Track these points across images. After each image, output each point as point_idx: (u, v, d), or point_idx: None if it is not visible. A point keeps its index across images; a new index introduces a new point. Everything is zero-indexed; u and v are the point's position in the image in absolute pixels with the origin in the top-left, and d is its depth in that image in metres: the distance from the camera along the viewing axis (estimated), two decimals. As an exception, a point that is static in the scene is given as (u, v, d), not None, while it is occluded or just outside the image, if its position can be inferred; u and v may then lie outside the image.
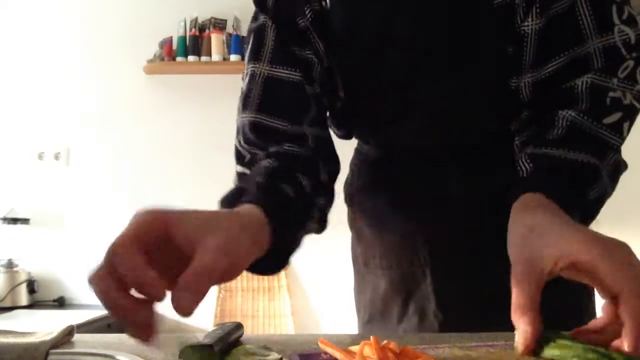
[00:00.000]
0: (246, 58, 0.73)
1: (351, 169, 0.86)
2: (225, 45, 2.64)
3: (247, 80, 0.71)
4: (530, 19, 0.64)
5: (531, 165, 0.61)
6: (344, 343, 0.53)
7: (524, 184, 0.59)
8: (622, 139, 0.63)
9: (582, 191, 0.58)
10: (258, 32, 0.71)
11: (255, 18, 0.73)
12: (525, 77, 0.66)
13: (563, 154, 0.60)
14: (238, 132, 0.70)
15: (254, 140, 0.66)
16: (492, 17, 0.65)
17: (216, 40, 2.63)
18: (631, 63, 0.63)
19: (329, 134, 0.74)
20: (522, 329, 0.47)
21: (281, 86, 0.68)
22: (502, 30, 0.66)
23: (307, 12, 0.70)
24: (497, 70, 0.68)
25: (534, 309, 0.47)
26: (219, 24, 2.68)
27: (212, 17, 2.68)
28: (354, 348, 0.46)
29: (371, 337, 0.45)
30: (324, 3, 0.70)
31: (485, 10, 0.65)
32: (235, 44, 2.62)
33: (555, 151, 0.60)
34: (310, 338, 0.57)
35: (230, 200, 0.57)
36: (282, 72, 0.68)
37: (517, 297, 0.48)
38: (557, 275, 0.49)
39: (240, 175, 0.68)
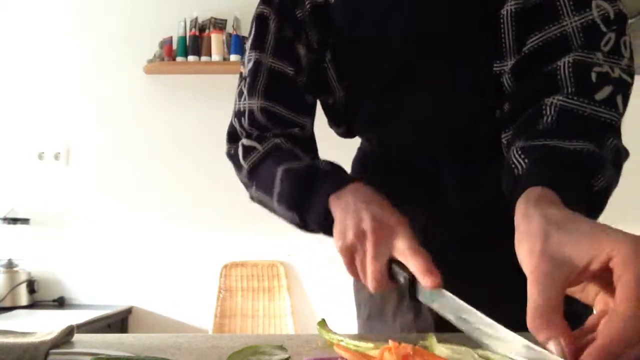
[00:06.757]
0: (249, 42, 0.77)
1: (352, 167, 0.86)
2: (225, 45, 2.64)
3: (251, 66, 0.75)
4: (507, 3, 0.63)
5: (526, 160, 0.55)
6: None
7: (526, 178, 0.53)
8: (619, 114, 0.58)
9: (588, 182, 0.53)
10: (261, 20, 0.76)
11: (261, 4, 0.77)
12: (507, 63, 0.65)
13: (559, 143, 0.54)
14: (241, 115, 0.75)
15: (265, 123, 0.74)
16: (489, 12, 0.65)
17: (216, 40, 2.63)
18: (612, 35, 0.60)
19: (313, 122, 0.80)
20: (545, 336, 0.37)
21: (283, 78, 0.75)
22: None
23: (306, 4, 0.73)
24: (489, 65, 0.68)
25: (557, 312, 0.38)
26: (219, 24, 2.68)
27: (212, 17, 2.68)
28: (373, 353, 0.45)
29: (390, 341, 0.43)
30: None
31: (481, 7, 0.66)
32: (235, 44, 2.62)
33: (550, 141, 0.55)
34: (310, 338, 0.57)
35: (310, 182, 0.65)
36: (282, 67, 0.75)
37: (537, 297, 0.39)
38: (584, 280, 0.42)
39: (249, 148, 0.73)
